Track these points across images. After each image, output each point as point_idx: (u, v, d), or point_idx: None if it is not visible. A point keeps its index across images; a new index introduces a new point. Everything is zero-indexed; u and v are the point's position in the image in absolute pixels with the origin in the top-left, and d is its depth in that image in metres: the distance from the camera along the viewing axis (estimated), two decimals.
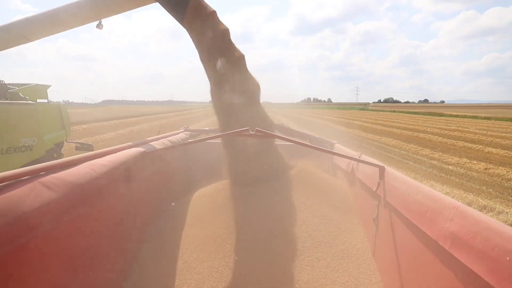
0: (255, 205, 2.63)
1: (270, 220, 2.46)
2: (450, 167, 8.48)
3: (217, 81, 2.94)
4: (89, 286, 1.57)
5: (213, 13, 2.88)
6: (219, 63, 2.87)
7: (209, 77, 2.97)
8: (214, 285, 1.93)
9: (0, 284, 1.02)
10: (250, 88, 3.04)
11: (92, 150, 2.85)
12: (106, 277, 1.77)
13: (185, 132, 4.22)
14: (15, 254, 1.08)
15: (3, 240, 1.01)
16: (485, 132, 18.18)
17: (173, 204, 2.69)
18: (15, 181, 1.19)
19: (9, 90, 4.64)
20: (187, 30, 2.92)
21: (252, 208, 2.60)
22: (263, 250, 2.18)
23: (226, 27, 2.92)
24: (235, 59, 2.94)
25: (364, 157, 2.53)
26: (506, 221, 4.49)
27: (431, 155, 10.27)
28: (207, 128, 4.63)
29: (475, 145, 12.41)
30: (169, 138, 3.23)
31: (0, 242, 0.99)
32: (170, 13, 2.90)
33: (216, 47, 2.87)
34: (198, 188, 3.20)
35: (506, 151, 10.86)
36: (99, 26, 3.22)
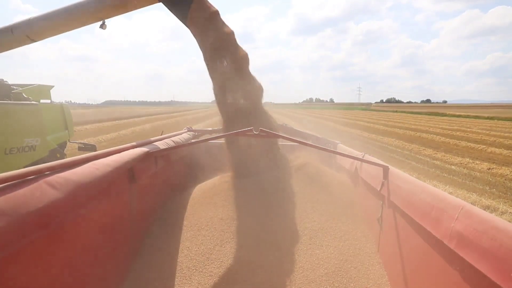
0: (256, 196, 2.64)
1: (270, 211, 2.47)
2: (453, 167, 8.45)
3: (220, 81, 2.95)
4: (92, 285, 1.57)
5: (216, 12, 2.87)
6: (222, 63, 2.87)
7: (212, 78, 2.97)
8: (214, 281, 1.93)
9: (6, 282, 1.02)
10: (254, 91, 3.05)
11: (95, 150, 2.86)
12: (109, 275, 1.78)
13: (188, 132, 4.23)
14: (21, 253, 1.08)
15: (9, 239, 1.01)
16: (488, 132, 18.11)
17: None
18: (20, 181, 1.20)
19: (12, 91, 4.67)
20: (190, 30, 2.92)
21: (252, 199, 2.61)
22: (263, 244, 2.18)
23: (230, 29, 2.91)
24: (239, 59, 2.95)
25: (368, 157, 2.52)
26: (510, 221, 4.47)
27: (433, 155, 10.24)
28: (210, 128, 4.64)
29: (478, 145, 12.36)
30: (172, 138, 3.24)
31: (6, 240, 1.00)
32: (173, 13, 2.90)
33: (220, 47, 2.86)
34: (200, 183, 3.22)
35: (509, 151, 10.81)
36: (103, 26, 3.23)
